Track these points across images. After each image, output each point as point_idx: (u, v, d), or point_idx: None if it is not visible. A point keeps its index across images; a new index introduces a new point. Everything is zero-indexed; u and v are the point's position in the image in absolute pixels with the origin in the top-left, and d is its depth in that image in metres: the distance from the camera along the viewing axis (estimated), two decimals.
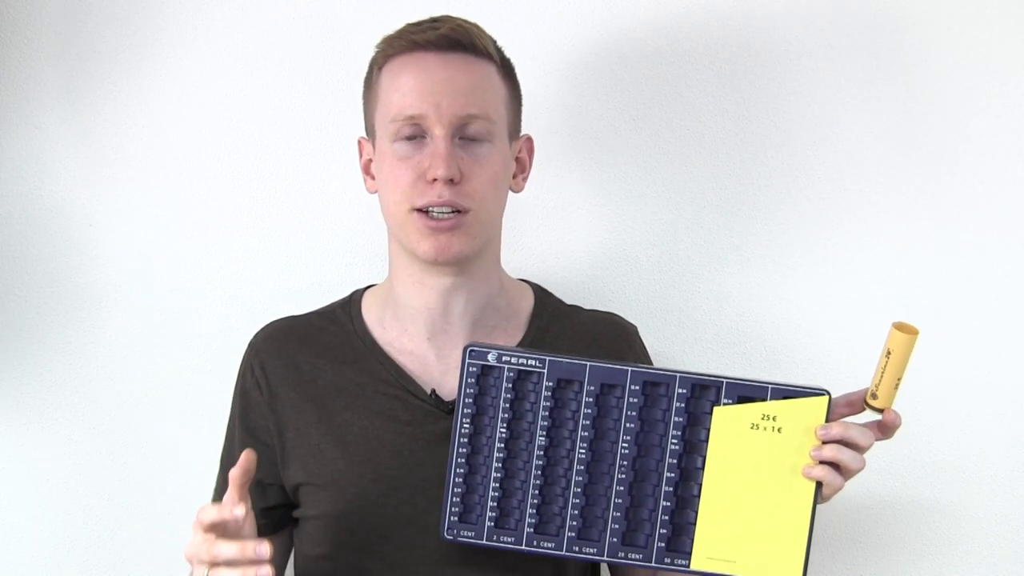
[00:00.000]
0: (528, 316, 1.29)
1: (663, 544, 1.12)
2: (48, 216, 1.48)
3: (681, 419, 1.12)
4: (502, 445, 1.13)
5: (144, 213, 1.49)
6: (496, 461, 1.13)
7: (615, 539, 1.13)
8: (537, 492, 1.13)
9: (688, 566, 1.12)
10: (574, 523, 1.13)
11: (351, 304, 1.30)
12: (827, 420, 1.10)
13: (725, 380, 1.11)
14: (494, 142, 1.20)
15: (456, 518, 1.13)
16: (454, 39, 1.19)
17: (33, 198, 1.48)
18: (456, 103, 1.17)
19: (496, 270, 1.28)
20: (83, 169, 1.48)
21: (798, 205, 1.49)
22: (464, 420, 1.13)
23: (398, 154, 1.19)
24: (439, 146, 1.17)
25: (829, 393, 1.11)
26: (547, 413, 1.13)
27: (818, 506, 1.11)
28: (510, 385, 1.13)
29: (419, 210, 1.17)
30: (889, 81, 1.48)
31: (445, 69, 1.18)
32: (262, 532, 1.14)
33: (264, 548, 1.02)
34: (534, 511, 1.13)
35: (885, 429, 1.12)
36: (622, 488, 1.12)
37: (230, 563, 1.02)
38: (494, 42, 1.23)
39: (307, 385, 1.24)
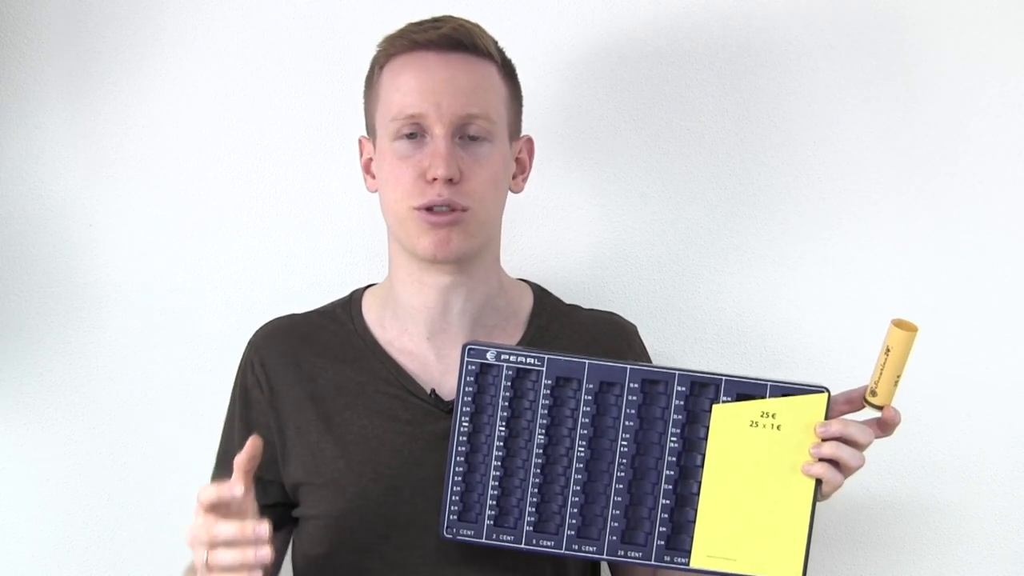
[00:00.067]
0: (527, 315, 1.29)
1: (663, 542, 1.12)
2: (48, 216, 1.49)
3: (680, 417, 1.11)
4: (501, 443, 1.13)
5: (144, 213, 1.49)
6: (495, 459, 1.13)
7: (615, 537, 1.12)
8: (536, 490, 1.13)
9: (688, 564, 1.12)
10: (573, 521, 1.12)
11: (351, 303, 1.30)
12: (826, 417, 1.10)
13: (724, 378, 1.11)
14: (494, 142, 1.20)
15: (455, 517, 1.13)
16: (455, 39, 1.19)
17: (33, 198, 1.48)
18: (457, 103, 1.17)
19: (495, 270, 1.28)
20: (83, 169, 1.49)
21: (798, 205, 1.49)
22: (463, 418, 1.13)
23: (398, 153, 1.19)
24: (439, 145, 1.17)
25: (828, 390, 1.10)
26: (546, 411, 1.12)
27: (818, 504, 1.11)
28: (509, 383, 1.12)
29: (419, 208, 1.17)
30: (889, 81, 1.48)
31: (446, 69, 1.19)
32: None
33: (264, 528, 1.01)
34: (533, 509, 1.12)
35: (884, 426, 1.12)
36: (621, 486, 1.12)
37: (229, 543, 1.01)
38: (495, 42, 1.23)
39: (307, 383, 1.24)
